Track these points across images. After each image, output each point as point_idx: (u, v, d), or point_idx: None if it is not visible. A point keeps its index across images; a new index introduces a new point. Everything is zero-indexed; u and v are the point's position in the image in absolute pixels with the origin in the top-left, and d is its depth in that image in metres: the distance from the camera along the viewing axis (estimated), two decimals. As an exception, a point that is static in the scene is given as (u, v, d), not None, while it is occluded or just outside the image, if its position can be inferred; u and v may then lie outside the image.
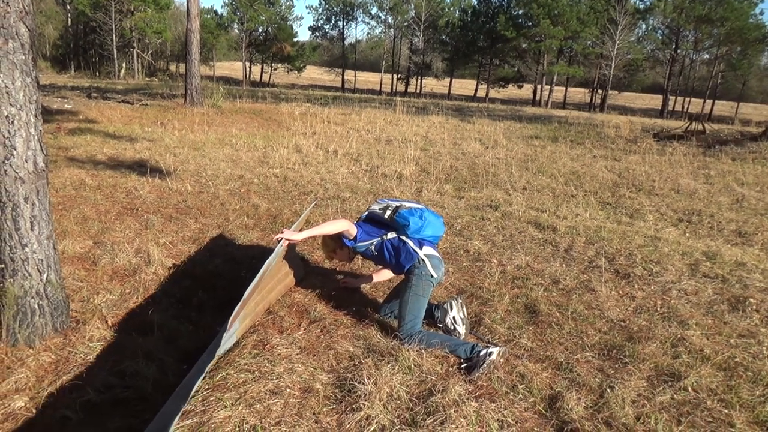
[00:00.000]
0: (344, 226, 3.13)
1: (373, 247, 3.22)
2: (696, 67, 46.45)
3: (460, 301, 3.31)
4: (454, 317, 3.26)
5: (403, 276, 3.25)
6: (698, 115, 16.26)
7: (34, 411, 2.49)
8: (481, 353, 2.88)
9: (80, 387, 2.64)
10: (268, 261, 2.98)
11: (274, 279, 3.48)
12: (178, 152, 8.61)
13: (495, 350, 2.90)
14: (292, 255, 3.77)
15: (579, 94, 53.60)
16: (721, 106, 45.67)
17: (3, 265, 2.82)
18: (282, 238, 3.09)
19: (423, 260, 3.10)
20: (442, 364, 2.90)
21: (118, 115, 12.29)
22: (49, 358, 2.85)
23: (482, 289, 3.99)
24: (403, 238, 3.15)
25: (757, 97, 53.97)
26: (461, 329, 3.24)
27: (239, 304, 2.69)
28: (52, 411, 2.48)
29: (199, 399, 2.44)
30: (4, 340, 2.90)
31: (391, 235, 3.19)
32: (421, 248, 3.13)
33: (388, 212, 3.19)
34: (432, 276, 3.11)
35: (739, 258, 4.91)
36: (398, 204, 3.23)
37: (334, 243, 3.32)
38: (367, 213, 3.36)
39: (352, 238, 3.18)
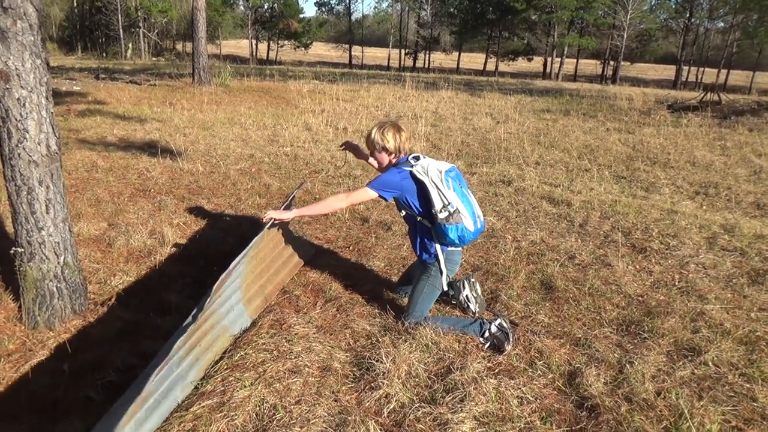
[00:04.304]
0: (336, 207, 3.08)
1: (403, 215, 3.04)
2: (710, 36, 45.35)
3: (473, 279, 3.28)
4: (467, 296, 3.23)
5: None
6: (713, 86, 15.90)
7: (56, 392, 2.52)
8: (493, 330, 2.88)
9: (101, 368, 2.66)
10: (255, 239, 3.03)
11: (279, 261, 3.48)
12: (188, 132, 8.58)
13: (499, 320, 2.93)
14: (294, 236, 3.75)
15: (590, 66, 52.54)
16: (736, 76, 44.61)
17: (21, 249, 2.83)
18: (271, 219, 3.05)
19: (442, 270, 2.98)
20: (459, 342, 2.90)
21: (126, 96, 12.26)
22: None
23: (497, 266, 3.96)
24: (434, 242, 2.94)
25: (774, 66, 52.68)
26: (474, 307, 3.22)
27: (224, 274, 2.73)
28: (74, 392, 2.51)
29: (219, 379, 2.46)
30: (24, 323, 2.93)
31: (426, 222, 2.93)
32: (447, 247, 2.98)
33: (443, 213, 2.78)
34: (448, 275, 3.05)
35: (758, 230, 4.84)
36: (455, 208, 2.79)
37: (378, 150, 3.04)
38: (426, 176, 2.82)
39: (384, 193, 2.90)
